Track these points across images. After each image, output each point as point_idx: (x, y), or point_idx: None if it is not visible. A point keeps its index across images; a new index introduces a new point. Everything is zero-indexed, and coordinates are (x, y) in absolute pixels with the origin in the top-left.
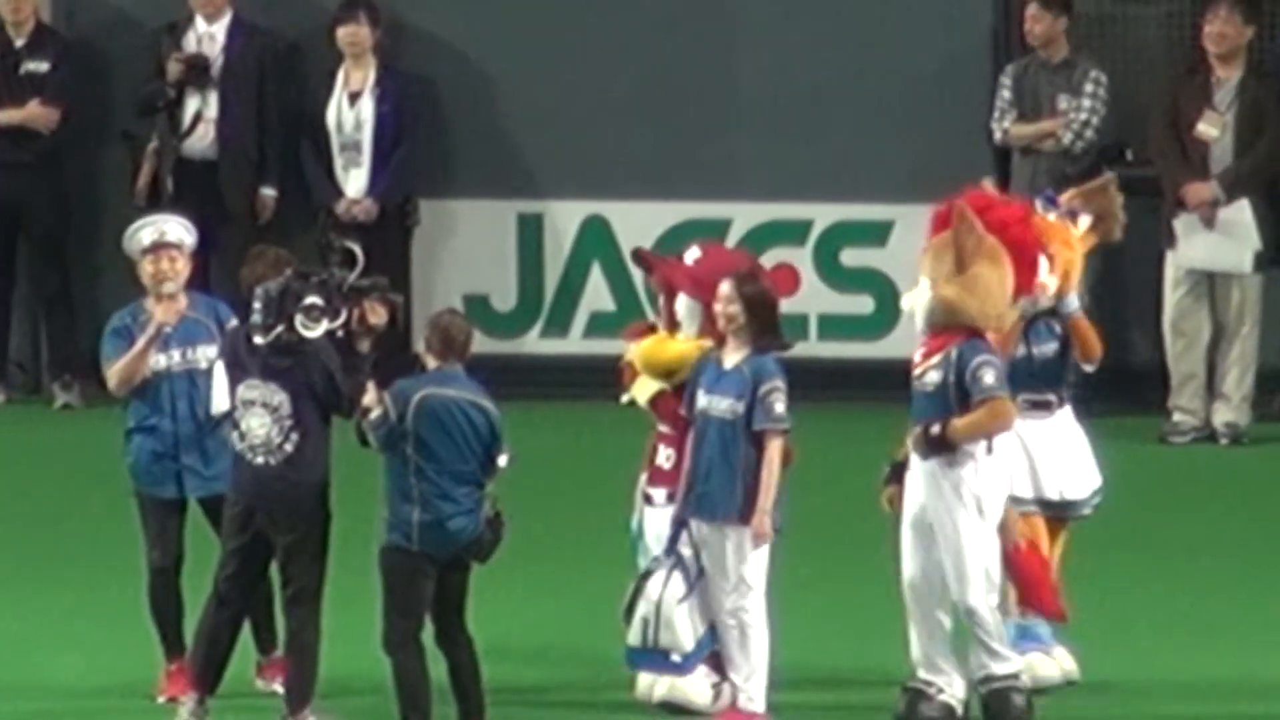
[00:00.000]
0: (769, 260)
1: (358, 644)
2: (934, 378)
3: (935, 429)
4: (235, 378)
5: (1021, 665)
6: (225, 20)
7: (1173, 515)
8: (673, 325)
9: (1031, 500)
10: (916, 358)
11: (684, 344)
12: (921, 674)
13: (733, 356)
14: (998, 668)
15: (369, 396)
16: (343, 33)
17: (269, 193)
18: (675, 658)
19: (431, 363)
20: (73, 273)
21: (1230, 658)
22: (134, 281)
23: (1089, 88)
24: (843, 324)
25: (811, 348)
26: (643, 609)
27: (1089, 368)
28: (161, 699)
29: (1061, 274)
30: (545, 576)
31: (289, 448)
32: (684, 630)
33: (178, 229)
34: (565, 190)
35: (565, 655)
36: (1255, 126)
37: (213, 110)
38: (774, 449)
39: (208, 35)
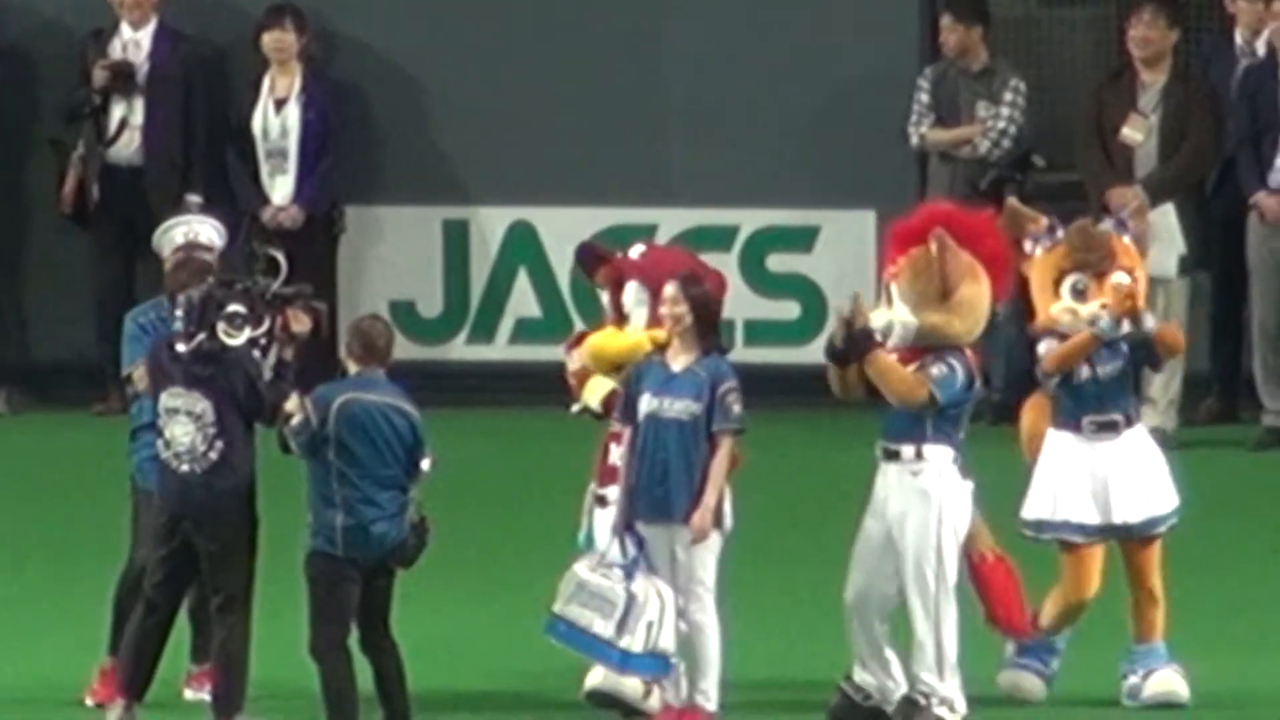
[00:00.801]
0: None
1: (286, 650)
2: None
3: (874, 339)
4: (159, 385)
5: (954, 688)
6: (151, 27)
7: None
8: (620, 319)
9: (1098, 527)
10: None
11: (634, 335)
12: (858, 674)
13: (681, 358)
14: (932, 681)
15: (291, 403)
16: (268, 39)
17: (194, 199)
18: (671, 660)
19: (353, 368)
20: (0, 281)
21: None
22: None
23: (1008, 96)
24: (769, 329)
25: (738, 353)
26: (647, 616)
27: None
28: (90, 701)
29: (1132, 295)
30: (469, 583)
31: (213, 455)
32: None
33: (210, 231)
34: (491, 196)
35: (490, 661)
36: (1180, 130)
37: (138, 117)
38: (724, 449)
39: (133, 42)
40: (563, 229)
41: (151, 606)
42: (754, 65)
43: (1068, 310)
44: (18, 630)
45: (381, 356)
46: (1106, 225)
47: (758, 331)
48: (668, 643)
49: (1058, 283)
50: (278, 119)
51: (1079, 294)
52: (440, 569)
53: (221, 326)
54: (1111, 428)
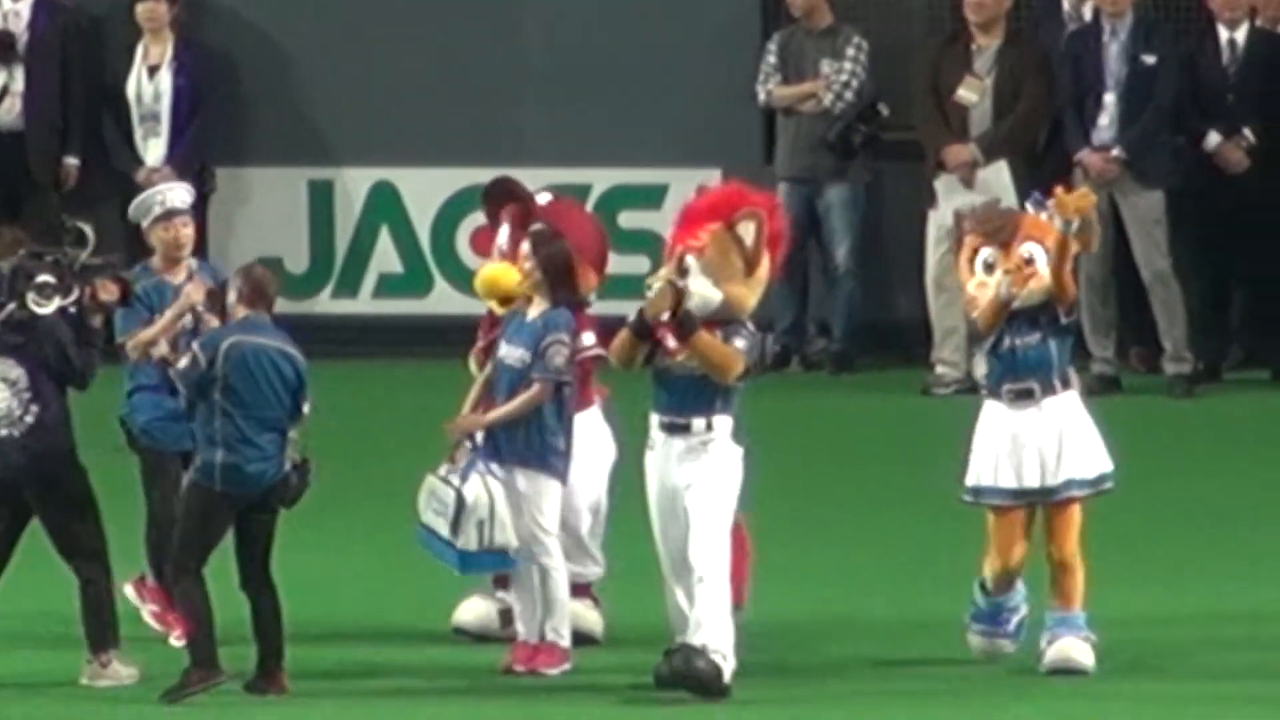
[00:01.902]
0: None
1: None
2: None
3: (692, 322)
4: None
5: (729, 640)
6: None
7: (937, 464)
8: (515, 257)
9: (1014, 491)
10: (674, 342)
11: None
12: (693, 637)
13: (533, 311)
14: (711, 631)
15: (160, 347)
16: (141, 9)
17: (72, 162)
18: (510, 554)
19: (240, 311)
20: None
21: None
22: (142, 250)
23: (850, 51)
24: (621, 283)
25: (592, 306)
26: (475, 514)
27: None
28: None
29: (1055, 272)
30: (341, 524)
31: (29, 419)
32: (513, 528)
33: (182, 194)
34: (354, 157)
35: (364, 598)
36: (1013, 92)
37: (19, 84)
38: (534, 391)
39: (13, 12)
40: (423, 189)
41: None
42: (605, 30)
43: (980, 284)
44: None
45: (269, 302)
46: (1029, 205)
47: (610, 285)
48: (504, 539)
49: (973, 261)
50: (151, 85)
51: (988, 267)
52: (313, 512)
53: (31, 296)
54: (1028, 395)
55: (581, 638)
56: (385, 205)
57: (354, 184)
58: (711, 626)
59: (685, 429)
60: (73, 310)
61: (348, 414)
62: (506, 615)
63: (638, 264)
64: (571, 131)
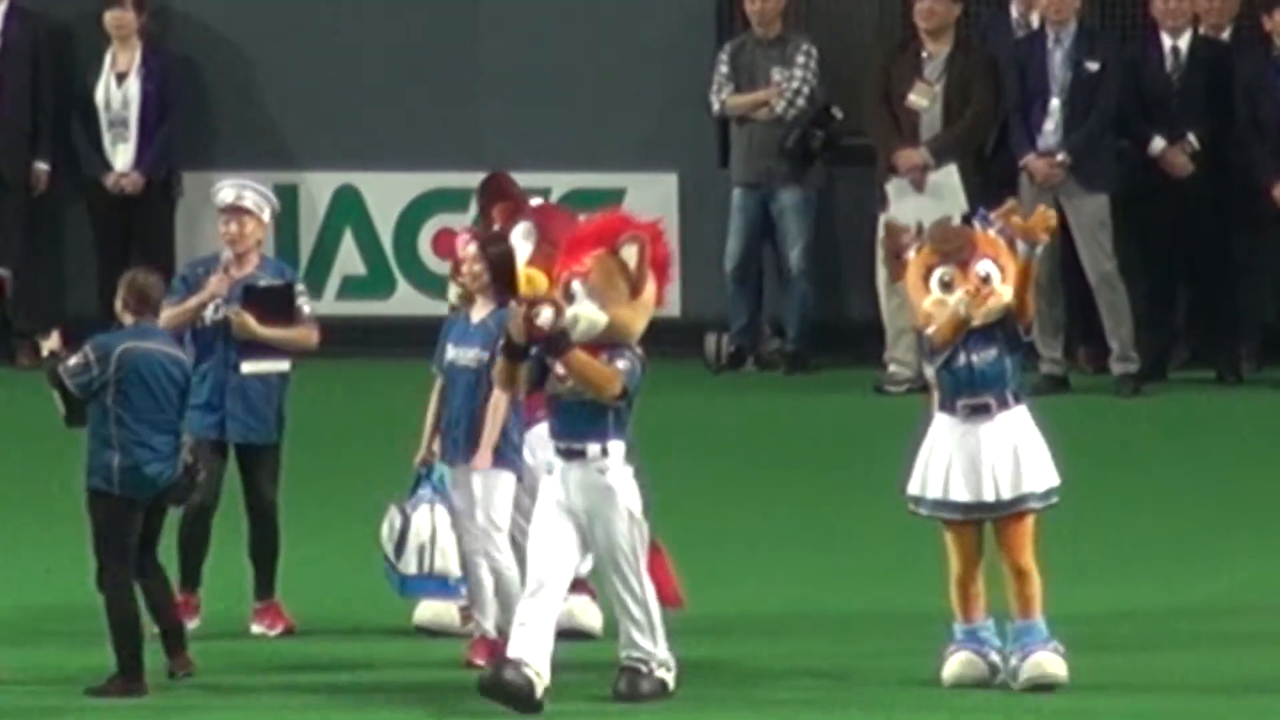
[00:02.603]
0: None
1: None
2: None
3: (570, 338)
4: None
5: (666, 651)
6: (2, 6)
7: (891, 461)
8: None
9: (966, 504)
10: (562, 369)
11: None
12: (631, 652)
13: (479, 312)
14: (649, 648)
15: (50, 342)
16: (109, 17)
17: (42, 166)
18: (450, 582)
19: (128, 319)
20: None
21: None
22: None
23: (800, 59)
24: None
25: None
26: (417, 539)
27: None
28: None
29: (1019, 293)
30: (305, 521)
31: None
32: (454, 556)
33: (254, 195)
34: (318, 162)
35: (322, 595)
36: (963, 97)
37: None
38: (497, 395)
39: None
40: (385, 193)
41: None
42: (564, 36)
43: (937, 302)
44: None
45: (155, 307)
46: (975, 222)
47: None
48: (443, 566)
49: (927, 279)
50: (119, 91)
51: (945, 285)
52: (284, 508)
53: None
54: (984, 410)
55: (580, 634)
56: (348, 208)
57: (318, 188)
58: (648, 643)
59: (580, 454)
60: None
61: (312, 413)
62: (466, 612)
63: None
64: (530, 135)
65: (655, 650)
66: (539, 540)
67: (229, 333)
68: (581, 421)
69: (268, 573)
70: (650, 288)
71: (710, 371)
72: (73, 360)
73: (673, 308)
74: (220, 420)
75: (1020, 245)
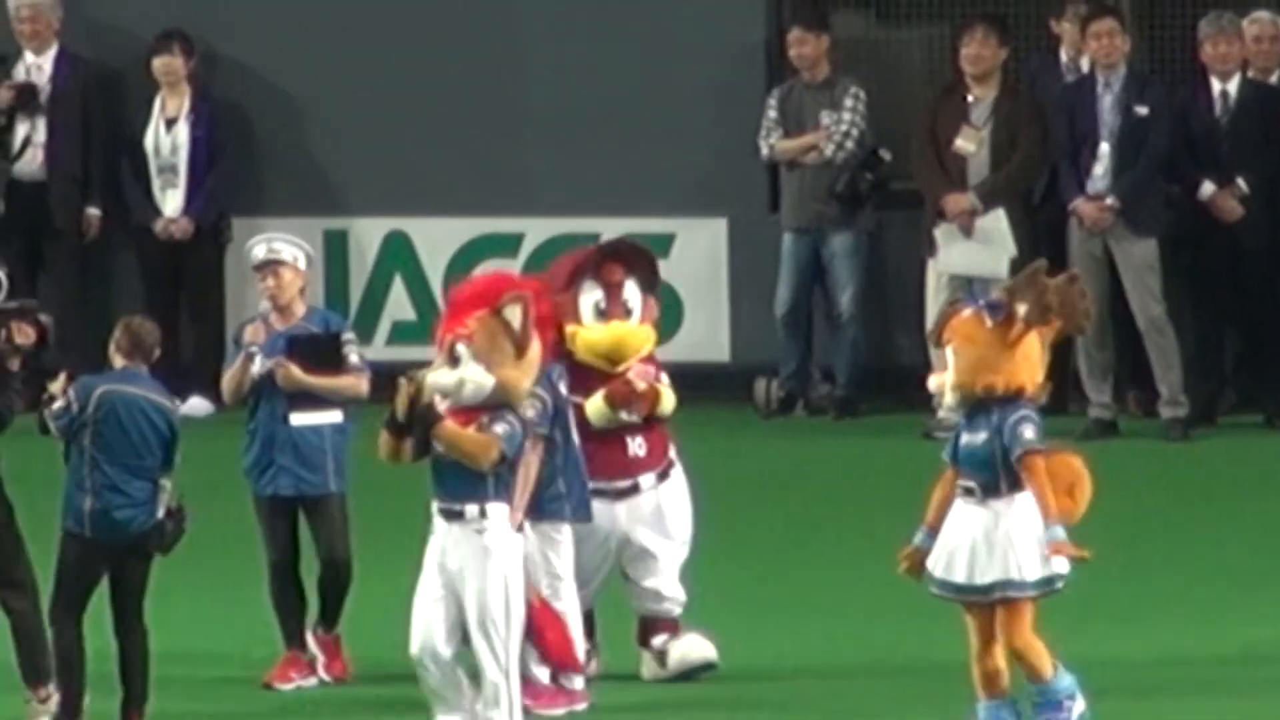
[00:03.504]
0: None
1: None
2: None
3: (437, 412)
4: None
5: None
6: (52, 52)
7: None
8: (624, 315)
9: (956, 585)
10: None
11: (644, 329)
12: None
13: None
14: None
15: (55, 385)
16: (158, 63)
17: (94, 212)
18: None
19: (119, 362)
20: None
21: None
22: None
23: (849, 102)
24: None
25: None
26: None
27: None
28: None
29: (967, 371)
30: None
31: None
32: None
33: (288, 246)
34: (368, 208)
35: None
36: (1010, 141)
37: (41, 135)
38: (530, 456)
39: (36, 66)
40: (435, 238)
41: None
42: (611, 80)
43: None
44: None
45: (147, 354)
46: (984, 314)
47: None
48: None
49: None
50: (168, 137)
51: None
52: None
53: None
54: (969, 493)
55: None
56: (398, 254)
57: (367, 233)
58: (501, 717)
59: (460, 515)
60: None
61: (367, 457)
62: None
63: None
64: (579, 181)
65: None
66: (419, 605)
67: (276, 386)
68: (461, 483)
69: (330, 608)
70: (535, 346)
71: (760, 416)
72: (57, 403)
73: (722, 353)
74: (275, 476)
75: (1020, 308)
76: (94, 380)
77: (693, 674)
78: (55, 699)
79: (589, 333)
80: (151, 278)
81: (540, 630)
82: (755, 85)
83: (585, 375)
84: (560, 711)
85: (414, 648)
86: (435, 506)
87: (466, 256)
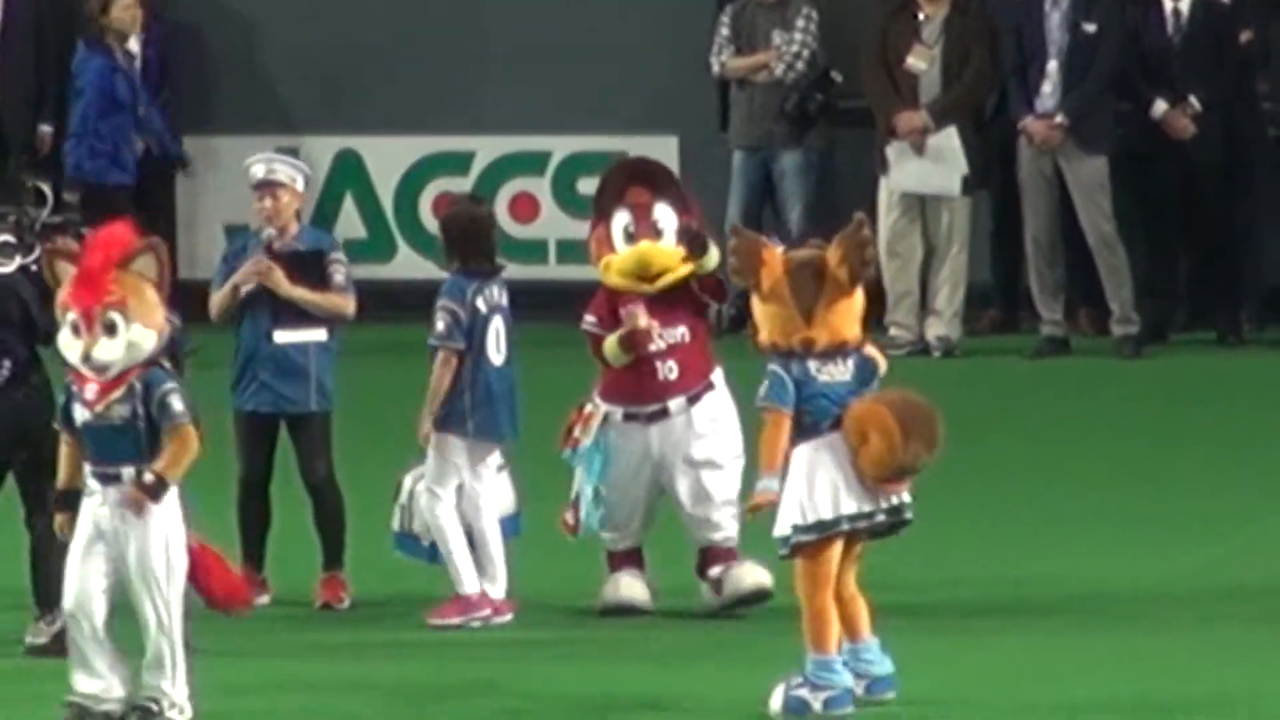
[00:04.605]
0: (508, 191)
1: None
2: (122, 411)
3: (149, 478)
4: None
5: (183, 693)
6: None
7: None
8: (655, 236)
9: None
10: (92, 393)
11: (674, 247)
12: (82, 684)
13: None
14: (165, 687)
15: None
16: None
17: (46, 129)
18: (424, 543)
19: None
20: None
21: (944, 557)
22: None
23: (800, 22)
24: (579, 249)
25: (551, 270)
26: (401, 498)
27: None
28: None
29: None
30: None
31: (4, 373)
32: (412, 514)
33: (286, 167)
34: (319, 126)
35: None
36: (961, 59)
37: None
38: (436, 364)
39: None
40: (386, 157)
41: None
42: (565, 1)
43: None
44: None
45: None
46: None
47: (569, 251)
48: (419, 527)
49: None
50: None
51: None
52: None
53: None
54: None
55: (759, 595)
56: (349, 173)
57: (319, 152)
58: (165, 682)
59: (116, 478)
60: (35, 269)
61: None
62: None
63: None
64: (531, 99)
65: (171, 691)
66: (74, 564)
67: (261, 303)
68: (116, 446)
69: (329, 545)
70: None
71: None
72: None
73: None
74: (255, 392)
75: None
76: None
77: (746, 602)
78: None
79: (615, 257)
80: (92, 192)
81: (202, 573)
82: (708, 3)
83: (626, 302)
84: (455, 620)
85: (67, 604)
86: (89, 470)
87: (417, 175)
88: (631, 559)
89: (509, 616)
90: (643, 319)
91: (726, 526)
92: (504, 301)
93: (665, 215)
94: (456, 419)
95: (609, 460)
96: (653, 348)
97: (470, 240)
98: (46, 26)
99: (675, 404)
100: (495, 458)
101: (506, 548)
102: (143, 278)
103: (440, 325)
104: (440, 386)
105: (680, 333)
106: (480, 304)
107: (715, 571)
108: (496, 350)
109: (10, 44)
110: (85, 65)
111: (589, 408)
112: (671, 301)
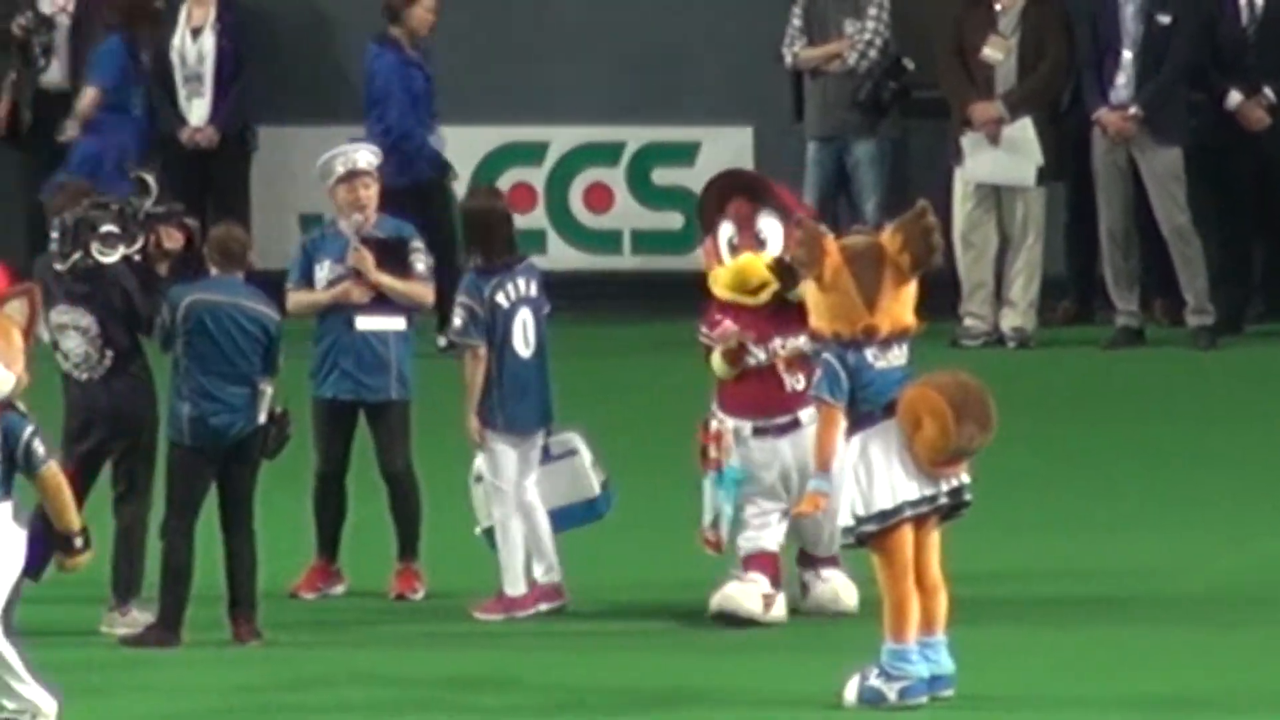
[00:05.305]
0: (582, 181)
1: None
2: None
3: (78, 543)
4: (48, 303)
5: (38, 692)
6: None
7: None
8: (757, 247)
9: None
10: None
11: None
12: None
13: None
14: (26, 694)
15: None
16: None
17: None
18: (476, 530)
19: (214, 271)
20: None
21: (1018, 549)
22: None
23: (873, 11)
24: (653, 239)
25: (625, 261)
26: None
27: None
28: (307, 594)
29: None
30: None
31: (107, 363)
32: (480, 508)
33: (367, 155)
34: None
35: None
36: (1037, 50)
37: (64, 45)
38: (465, 363)
39: None
40: (461, 146)
41: None
42: None
43: None
44: None
45: (238, 262)
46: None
47: (644, 240)
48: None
49: None
50: (194, 46)
51: None
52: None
53: (95, 246)
54: None
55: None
56: None
57: None
58: (26, 689)
59: None
60: (138, 258)
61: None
62: (768, 600)
63: (672, 220)
64: (605, 90)
65: (24, 696)
66: None
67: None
68: None
69: (404, 536)
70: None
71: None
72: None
73: None
74: (336, 380)
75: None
76: (182, 290)
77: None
78: (135, 614)
79: (721, 269)
80: (177, 186)
81: None
82: None
83: (734, 313)
84: (498, 616)
85: None
86: None
87: (492, 164)
88: (755, 563)
89: (561, 602)
90: (733, 338)
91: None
92: (532, 293)
93: (769, 225)
94: (489, 413)
95: (747, 477)
96: (751, 361)
97: (487, 233)
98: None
99: (806, 414)
100: (553, 446)
101: (581, 533)
102: (11, 321)
103: (457, 322)
104: (474, 382)
105: (801, 342)
106: (500, 299)
107: (808, 576)
108: (524, 343)
109: (82, 36)
110: (379, 63)
111: (715, 425)
112: (787, 312)
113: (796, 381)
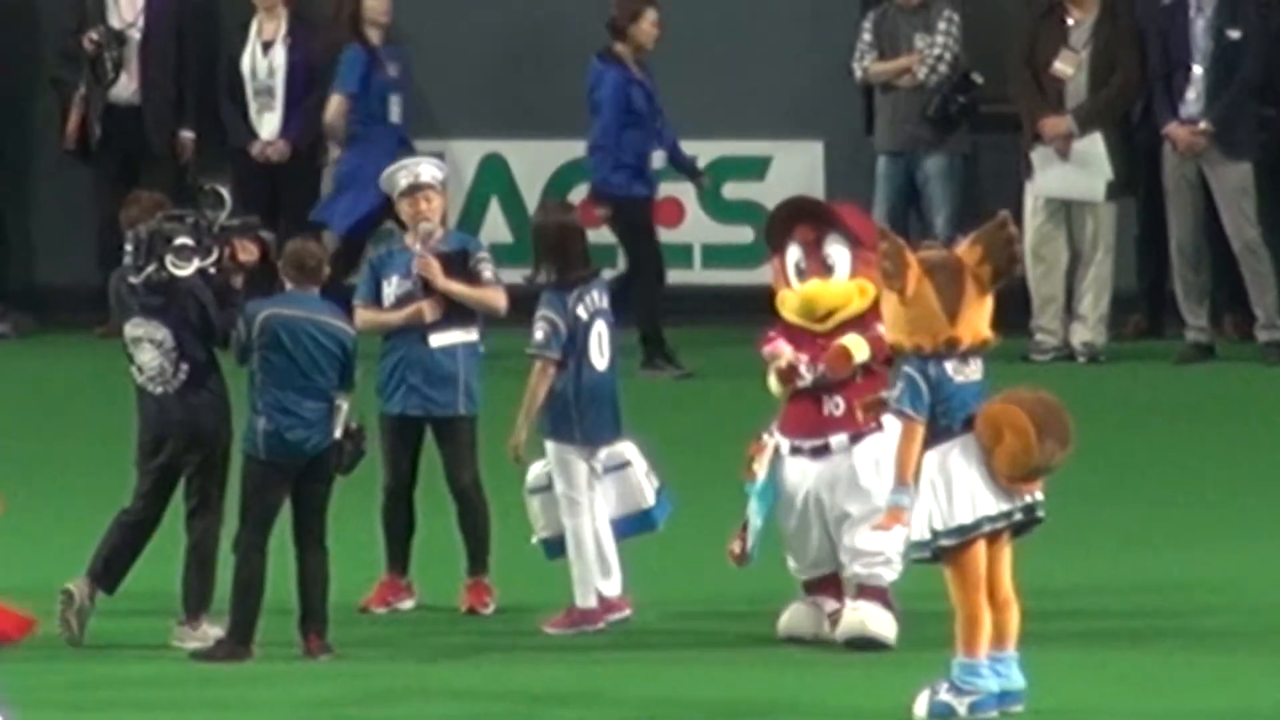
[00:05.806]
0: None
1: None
2: None
3: None
4: (123, 316)
5: None
6: None
7: None
8: (824, 272)
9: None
10: None
11: (844, 286)
12: None
13: None
14: None
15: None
16: None
17: (188, 135)
18: (533, 539)
19: (289, 285)
20: (7, 211)
21: (1089, 564)
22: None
23: (942, 25)
24: (725, 253)
25: (696, 275)
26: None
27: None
28: (378, 608)
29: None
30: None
31: (182, 376)
32: (534, 517)
33: (431, 169)
34: (465, 130)
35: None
36: (1108, 65)
37: (135, 60)
38: (532, 374)
39: None
40: (531, 161)
41: (134, 513)
42: (709, 6)
43: None
44: (14, 544)
45: (313, 276)
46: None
47: (715, 255)
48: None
49: None
50: (265, 60)
51: None
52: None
53: (170, 258)
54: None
55: (873, 644)
56: (495, 177)
57: (464, 156)
58: None
59: None
60: (212, 271)
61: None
62: (833, 617)
63: (742, 234)
64: (676, 104)
65: None
66: None
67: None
68: None
69: (474, 550)
70: None
71: None
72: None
73: None
74: (405, 395)
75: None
76: (258, 304)
77: (856, 646)
78: (205, 628)
79: (789, 293)
80: (248, 200)
81: None
82: (850, 8)
83: (798, 336)
84: (569, 631)
85: None
86: None
87: (562, 179)
88: (816, 588)
89: (626, 613)
90: (784, 359)
91: (873, 570)
92: (605, 304)
93: (837, 251)
94: (565, 427)
95: (776, 493)
96: (800, 383)
97: (562, 248)
98: (187, 32)
99: (836, 440)
100: (605, 458)
101: (647, 545)
102: None
103: (539, 335)
104: (536, 396)
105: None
106: (581, 311)
107: (832, 608)
108: (600, 355)
109: (152, 50)
110: (602, 78)
111: (764, 438)
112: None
113: (835, 407)
